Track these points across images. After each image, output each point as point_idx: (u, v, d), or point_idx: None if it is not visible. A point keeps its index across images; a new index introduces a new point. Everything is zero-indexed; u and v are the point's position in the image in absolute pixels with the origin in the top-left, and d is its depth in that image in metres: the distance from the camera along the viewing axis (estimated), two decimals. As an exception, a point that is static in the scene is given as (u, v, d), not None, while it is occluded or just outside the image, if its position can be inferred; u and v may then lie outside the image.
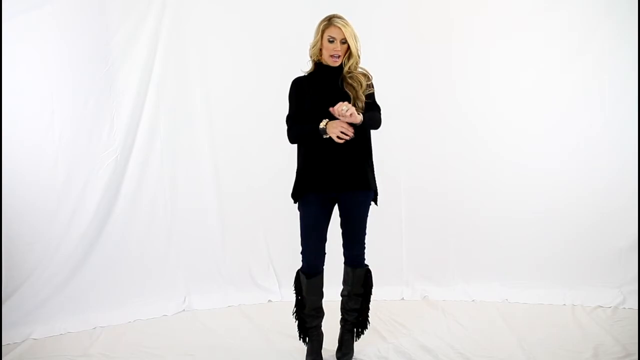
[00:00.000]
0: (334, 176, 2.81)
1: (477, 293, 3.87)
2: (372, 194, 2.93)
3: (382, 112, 2.91)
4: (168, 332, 3.47)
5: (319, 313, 3.00)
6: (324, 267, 2.96)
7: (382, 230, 3.87)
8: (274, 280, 4.03)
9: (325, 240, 2.92)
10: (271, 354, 3.12)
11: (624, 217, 3.74)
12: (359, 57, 2.84)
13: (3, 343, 3.26)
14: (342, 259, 3.01)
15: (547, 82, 3.83)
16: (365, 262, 3.00)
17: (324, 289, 3.00)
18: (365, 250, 2.99)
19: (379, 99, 2.91)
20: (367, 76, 2.88)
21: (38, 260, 3.53)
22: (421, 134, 3.97)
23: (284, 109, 2.96)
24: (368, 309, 3.05)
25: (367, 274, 3.00)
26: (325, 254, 2.94)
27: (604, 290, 3.71)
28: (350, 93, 2.81)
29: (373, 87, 2.89)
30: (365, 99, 2.82)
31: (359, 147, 2.84)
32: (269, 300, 3.96)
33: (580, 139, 3.80)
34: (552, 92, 3.83)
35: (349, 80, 2.83)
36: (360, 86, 2.81)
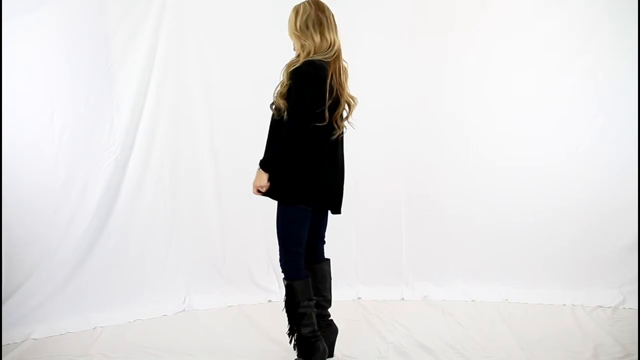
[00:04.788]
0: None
1: (477, 293, 3.86)
2: None
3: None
4: (168, 332, 3.47)
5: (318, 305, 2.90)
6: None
7: (382, 231, 3.87)
8: (274, 280, 4.02)
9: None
10: (271, 354, 3.12)
11: (624, 217, 3.74)
12: (301, 50, 2.73)
13: (3, 343, 3.25)
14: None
15: (547, 83, 3.83)
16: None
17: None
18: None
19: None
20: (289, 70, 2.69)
21: (38, 260, 3.52)
22: (421, 134, 3.96)
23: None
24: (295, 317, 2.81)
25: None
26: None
27: (604, 290, 3.71)
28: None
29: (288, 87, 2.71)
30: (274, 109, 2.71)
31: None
32: (269, 300, 3.95)
33: (580, 139, 3.80)
34: (552, 92, 3.83)
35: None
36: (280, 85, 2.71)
